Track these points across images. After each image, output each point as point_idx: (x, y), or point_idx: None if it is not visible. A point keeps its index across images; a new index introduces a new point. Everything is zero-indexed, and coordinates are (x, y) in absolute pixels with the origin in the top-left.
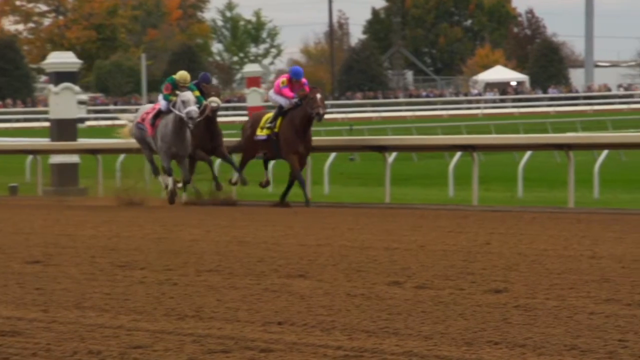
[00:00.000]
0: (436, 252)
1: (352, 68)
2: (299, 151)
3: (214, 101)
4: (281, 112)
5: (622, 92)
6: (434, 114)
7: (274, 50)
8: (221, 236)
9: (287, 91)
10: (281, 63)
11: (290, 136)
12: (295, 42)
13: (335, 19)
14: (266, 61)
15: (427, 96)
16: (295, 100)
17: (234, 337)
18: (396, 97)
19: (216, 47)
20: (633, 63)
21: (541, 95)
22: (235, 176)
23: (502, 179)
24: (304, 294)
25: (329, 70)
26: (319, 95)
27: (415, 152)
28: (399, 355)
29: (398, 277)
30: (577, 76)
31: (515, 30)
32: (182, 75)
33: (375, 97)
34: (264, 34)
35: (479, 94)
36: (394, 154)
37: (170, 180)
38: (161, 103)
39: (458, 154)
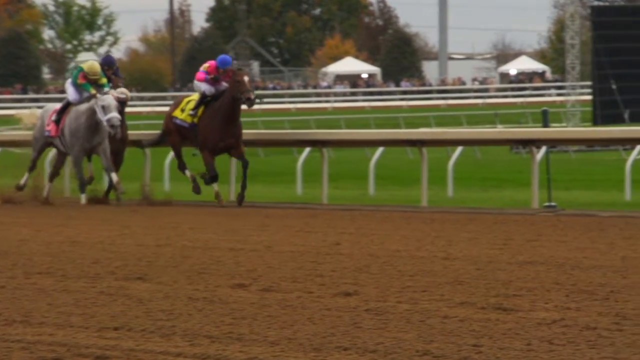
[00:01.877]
0: (283, 253)
1: (195, 58)
2: (219, 147)
3: (122, 92)
4: (204, 100)
5: (477, 85)
6: (282, 107)
7: (110, 38)
8: (53, 236)
9: (200, 75)
10: (118, 52)
11: (210, 131)
12: (133, 29)
13: (176, 6)
14: (102, 49)
15: (274, 88)
16: (214, 84)
17: (67, 344)
18: None
19: (48, 33)
20: (488, 55)
21: (393, 88)
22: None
23: (352, 176)
24: (143, 298)
25: (170, 60)
26: (246, 78)
27: (261, 147)
28: None
29: (243, 279)
30: (430, 69)
31: (367, 20)
32: (91, 66)
33: None
34: (100, 21)
35: (329, 87)
36: None
37: (48, 187)
38: (69, 92)
39: (307, 150)
